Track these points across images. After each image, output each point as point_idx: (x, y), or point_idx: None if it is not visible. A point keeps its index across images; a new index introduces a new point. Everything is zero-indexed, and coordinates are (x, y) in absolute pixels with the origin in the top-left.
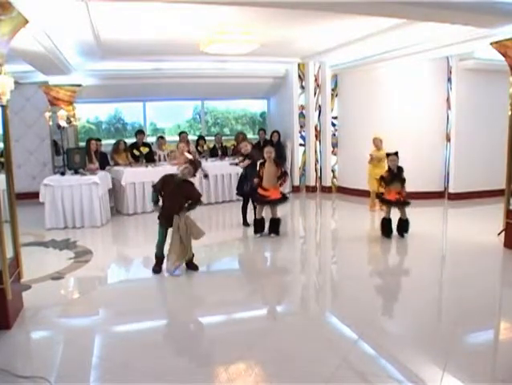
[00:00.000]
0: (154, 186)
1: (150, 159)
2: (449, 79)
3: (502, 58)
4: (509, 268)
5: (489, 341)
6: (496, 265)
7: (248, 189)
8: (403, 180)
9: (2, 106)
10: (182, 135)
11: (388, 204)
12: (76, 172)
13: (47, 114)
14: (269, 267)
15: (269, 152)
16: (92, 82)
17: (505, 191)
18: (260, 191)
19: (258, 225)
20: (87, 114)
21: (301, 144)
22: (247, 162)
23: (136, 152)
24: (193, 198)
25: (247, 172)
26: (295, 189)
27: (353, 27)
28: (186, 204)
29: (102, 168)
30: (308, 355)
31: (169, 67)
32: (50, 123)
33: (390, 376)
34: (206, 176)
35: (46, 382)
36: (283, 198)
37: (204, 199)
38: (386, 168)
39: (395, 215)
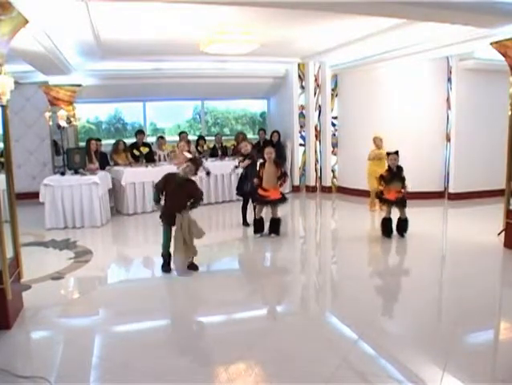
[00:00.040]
0: (156, 185)
1: (150, 159)
2: (449, 79)
3: (502, 58)
4: (509, 268)
5: (489, 341)
6: (496, 265)
7: (248, 189)
8: (403, 179)
9: (2, 106)
10: (182, 135)
11: (387, 203)
12: (76, 172)
13: (47, 114)
14: (269, 267)
15: (269, 153)
16: (92, 82)
17: (505, 191)
18: (260, 191)
19: (258, 225)
20: (87, 114)
21: (301, 144)
22: (247, 162)
23: (136, 152)
24: (194, 196)
25: (247, 172)
26: (295, 189)
27: (353, 27)
28: (188, 203)
29: (102, 168)
30: (308, 355)
31: (169, 67)
32: (50, 123)
33: (390, 376)
34: (208, 173)
35: (46, 382)
36: (283, 198)
37: (204, 199)
38: (386, 167)
39: (395, 215)
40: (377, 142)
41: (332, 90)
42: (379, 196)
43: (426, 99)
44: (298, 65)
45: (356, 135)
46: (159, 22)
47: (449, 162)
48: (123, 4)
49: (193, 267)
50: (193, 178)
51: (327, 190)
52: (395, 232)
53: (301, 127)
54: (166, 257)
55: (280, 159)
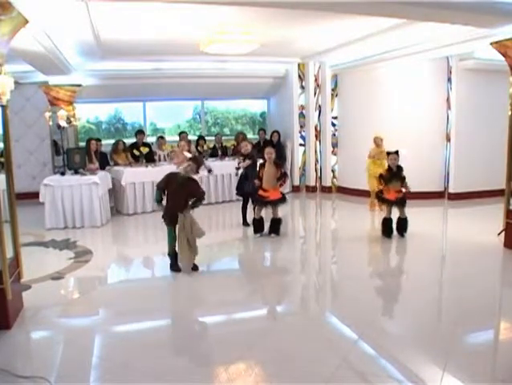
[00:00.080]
0: (158, 185)
1: (150, 159)
2: (449, 79)
3: (502, 58)
4: (509, 268)
5: (489, 341)
6: (496, 265)
7: (249, 189)
8: (402, 179)
9: (2, 106)
10: (182, 135)
11: (387, 203)
12: (76, 172)
13: (47, 114)
14: (269, 267)
15: (269, 153)
16: (92, 82)
17: (505, 191)
18: (260, 192)
19: (258, 225)
20: (87, 114)
21: (301, 144)
22: (248, 162)
23: (136, 152)
24: (196, 195)
25: (247, 172)
26: (295, 189)
27: (353, 27)
28: (190, 202)
29: (102, 168)
30: (308, 355)
31: (169, 67)
32: (50, 123)
33: (390, 376)
34: (210, 170)
35: (46, 382)
36: (283, 198)
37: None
38: (386, 166)
39: (395, 215)
40: (378, 142)
41: (332, 90)
42: (379, 195)
43: (426, 99)
44: (298, 65)
45: (356, 135)
46: (159, 22)
47: (449, 162)
48: (123, 4)
49: (192, 267)
50: (195, 177)
51: (327, 190)
52: (395, 232)
53: (301, 127)
54: (173, 256)
55: (280, 159)
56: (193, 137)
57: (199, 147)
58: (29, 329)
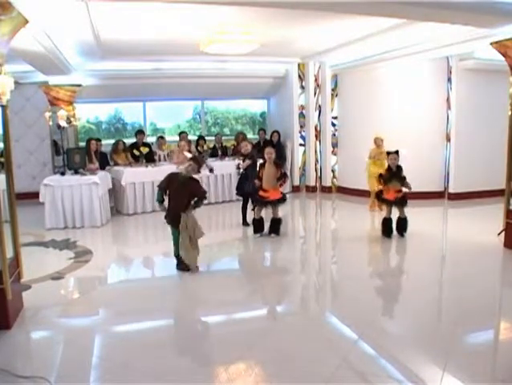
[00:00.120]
0: (159, 185)
1: (150, 159)
2: (449, 79)
3: (502, 58)
4: (509, 268)
5: (489, 341)
6: (496, 265)
7: (249, 189)
8: (402, 179)
9: (2, 106)
10: (182, 135)
11: (387, 203)
12: (76, 172)
13: (47, 114)
14: (269, 267)
15: (269, 153)
16: (92, 82)
17: (505, 191)
18: (260, 192)
19: (258, 225)
20: (87, 114)
21: (301, 144)
22: (248, 162)
23: (136, 152)
24: (198, 195)
25: (247, 172)
26: (295, 189)
27: (353, 27)
28: (192, 202)
29: (102, 168)
30: (308, 355)
31: (169, 67)
32: (50, 123)
33: (390, 376)
34: (211, 170)
35: (46, 382)
36: (283, 198)
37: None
38: (386, 166)
39: (395, 215)
40: (378, 142)
41: (332, 90)
42: (379, 195)
43: (426, 99)
44: (298, 65)
45: (356, 135)
46: (159, 22)
47: (449, 162)
48: (123, 4)
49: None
50: (197, 177)
51: (327, 190)
52: (395, 232)
53: (301, 127)
54: (179, 256)
55: (280, 159)
56: (193, 137)
57: (199, 147)
58: (29, 329)
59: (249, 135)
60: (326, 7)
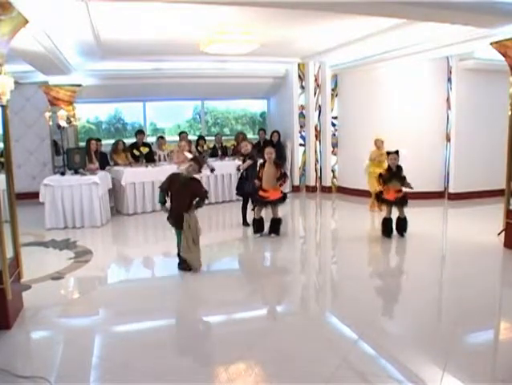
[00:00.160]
0: (161, 186)
1: (150, 159)
2: (449, 79)
3: (502, 58)
4: (509, 268)
5: (489, 341)
6: (496, 265)
7: (249, 189)
8: (402, 178)
9: (2, 106)
10: (182, 135)
11: (387, 203)
12: (76, 172)
13: (47, 114)
14: (269, 267)
15: (269, 153)
16: (92, 82)
17: (505, 191)
18: (260, 192)
19: (258, 225)
20: (87, 114)
21: (301, 144)
22: (248, 163)
23: (136, 152)
24: (199, 195)
25: (247, 173)
26: (295, 189)
27: (353, 27)
28: (194, 202)
29: (102, 168)
30: (308, 355)
31: (169, 67)
32: (50, 123)
33: (390, 376)
34: (212, 170)
35: (46, 382)
36: (283, 198)
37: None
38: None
39: (395, 215)
40: (378, 144)
41: (332, 90)
42: (379, 196)
43: (426, 99)
44: (298, 65)
45: (356, 135)
46: (159, 22)
47: (449, 162)
48: (123, 4)
49: (192, 268)
50: (198, 177)
51: (327, 190)
52: (395, 232)
53: (301, 127)
54: (182, 256)
55: (280, 159)
56: (193, 137)
57: (199, 147)
58: (29, 329)
59: (249, 135)
60: (326, 7)
